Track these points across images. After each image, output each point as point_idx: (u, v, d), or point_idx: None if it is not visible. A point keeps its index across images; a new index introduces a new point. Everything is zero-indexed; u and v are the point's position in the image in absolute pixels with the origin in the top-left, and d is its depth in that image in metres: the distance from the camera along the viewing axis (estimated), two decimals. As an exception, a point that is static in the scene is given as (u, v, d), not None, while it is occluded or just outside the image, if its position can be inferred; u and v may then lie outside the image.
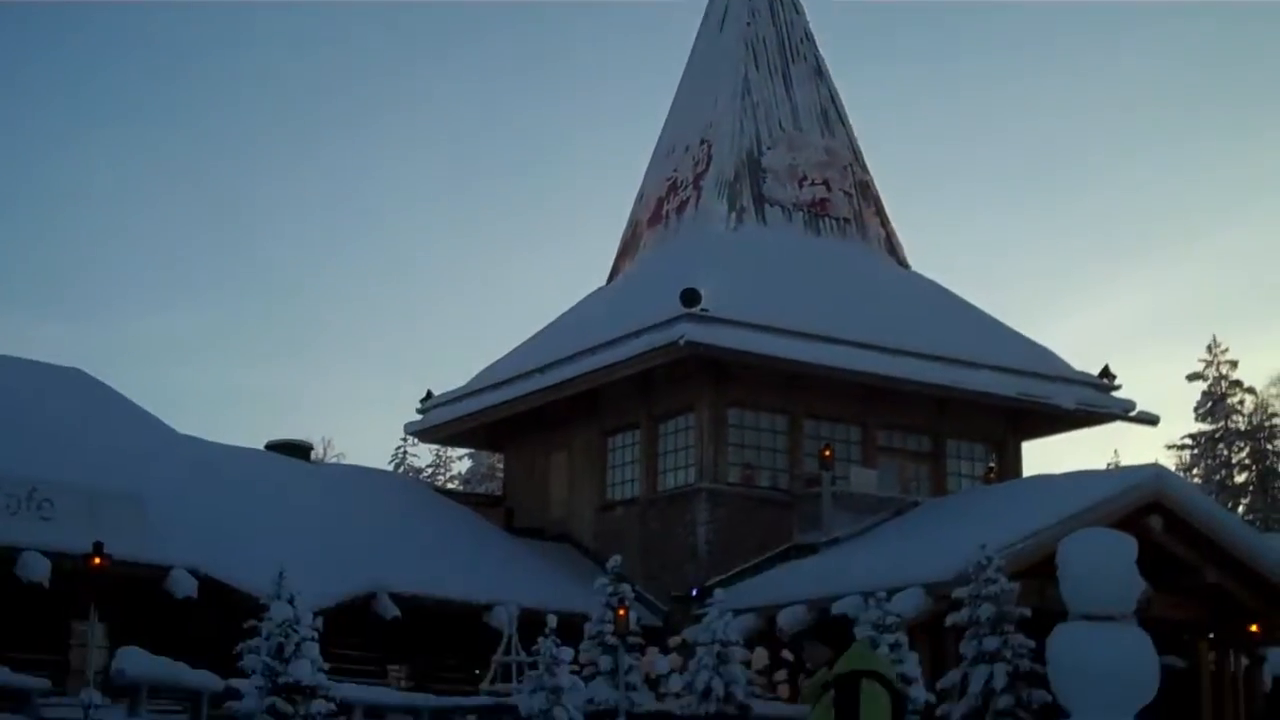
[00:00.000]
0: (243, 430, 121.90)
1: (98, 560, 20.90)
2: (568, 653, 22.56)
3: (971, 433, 39.56)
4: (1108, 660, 24.80)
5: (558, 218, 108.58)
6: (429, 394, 44.08)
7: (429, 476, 71.31)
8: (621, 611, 26.19)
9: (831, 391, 36.54)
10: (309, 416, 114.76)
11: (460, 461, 75.69)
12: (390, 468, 66.85)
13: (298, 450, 39.99)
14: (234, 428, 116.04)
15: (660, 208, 42.95)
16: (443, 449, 72.38)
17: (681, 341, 33.90)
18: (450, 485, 68.72)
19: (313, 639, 19.68)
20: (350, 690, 23.15)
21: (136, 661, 20.48)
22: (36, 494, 27.20)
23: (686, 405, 36.36)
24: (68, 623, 27.38)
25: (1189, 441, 68.76)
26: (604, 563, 27.98)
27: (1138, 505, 28.85)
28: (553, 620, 23.07)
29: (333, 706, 19.94)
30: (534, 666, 22.89)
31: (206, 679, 21.62)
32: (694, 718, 26.23)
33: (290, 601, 19.77)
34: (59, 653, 27.77)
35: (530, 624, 25.67)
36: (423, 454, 74.23)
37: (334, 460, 65.20)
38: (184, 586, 27.83)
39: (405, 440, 68.83)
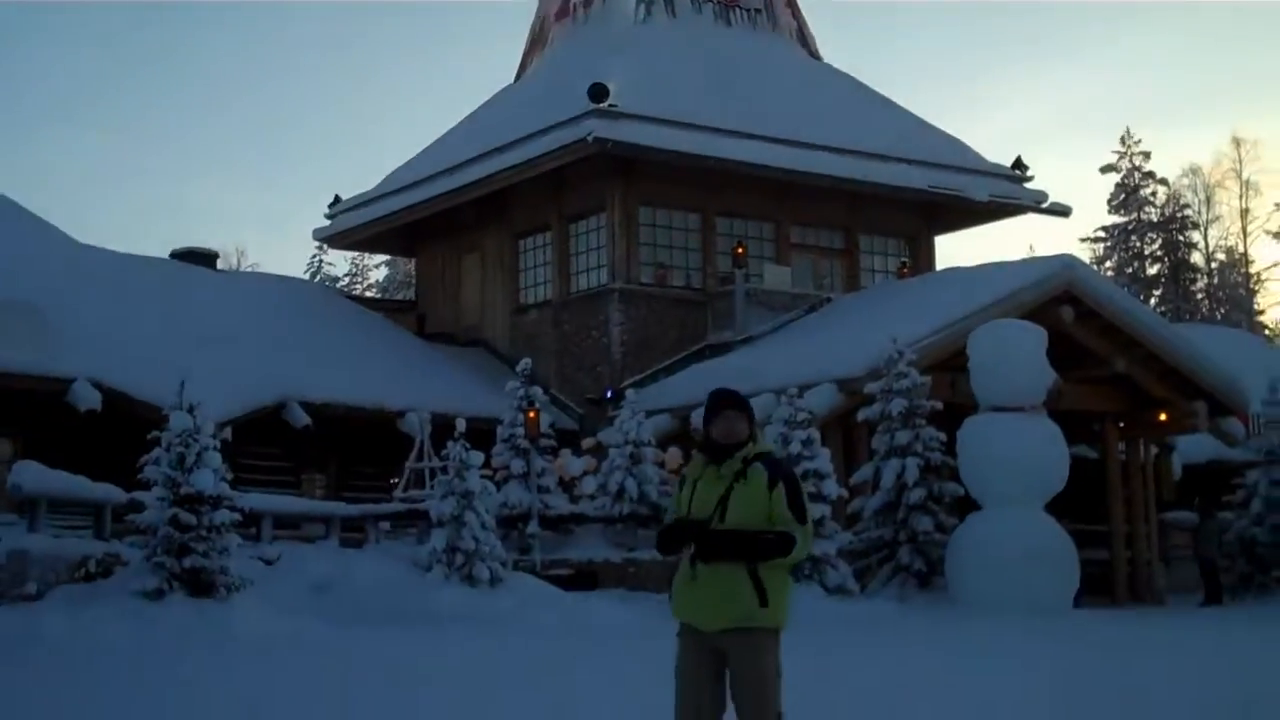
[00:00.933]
0: (156, 245, 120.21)
1: (-13, 373, 20.31)
2: (478, 457, 22.34)
3: (885, 227, 39.36)
4: (1016, 451, 25.09)
5: (466, 13, 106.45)
6: (337, 199, 43.31)
7: (345, 285, 70.56)
8: (532, 414, 25.98)
9: (744, 188, 36.09)
10: (225, 228, 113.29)
11: (378, 269, 75.08)
12: (306, 277, 65.92)
13: (203, 258, 39.01)
14: (147, 243, 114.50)
15: (568, 1, 41.86)
16: (359, 257, 71.72)
17: (590, 138, 33.19)
18: (367, 293, 68.12)
19: (214, 448, 19.25)
20: (257, 500, 22.84)
21: (33, 476, 20.01)
22: (-69, 305, 26.44)
23: (598, 205, 35.81)
24: (-28, 439, 26.91)
25: (1102, 234, 69.21)
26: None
27: (1049, 296, 28.80)
28: (462, 424, 22.76)
29: (238, 516, 19.58)
30: (445, 471, 22.66)
31: (109, 491, 21.23)
32: (608, 518, 26.26)
33: (190, 411, 19.28)
34: (-37, 469, 27.30)
35: (443, 430, 25.34)
36: (339, 263, 73.49)
37: (248, 270, 64.34)
38: (87, 399, 27.25)
39: (320, 249, 67.90)
